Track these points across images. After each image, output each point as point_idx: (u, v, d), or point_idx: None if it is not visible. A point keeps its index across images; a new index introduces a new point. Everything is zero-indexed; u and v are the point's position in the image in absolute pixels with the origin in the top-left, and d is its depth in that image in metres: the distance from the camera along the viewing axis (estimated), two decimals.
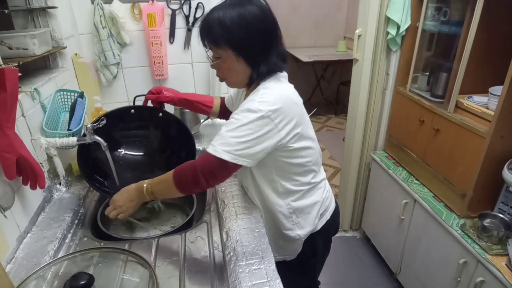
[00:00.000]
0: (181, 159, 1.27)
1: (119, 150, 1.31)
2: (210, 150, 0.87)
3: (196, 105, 1.28)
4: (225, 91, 1.86)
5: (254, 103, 0.87)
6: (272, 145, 0.90)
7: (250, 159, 0.88)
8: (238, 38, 0.86)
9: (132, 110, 1.26)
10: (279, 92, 0.91)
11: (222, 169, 0.88)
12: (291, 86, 0.98)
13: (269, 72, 0.93)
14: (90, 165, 1.20)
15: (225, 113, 1.31)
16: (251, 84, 0.96)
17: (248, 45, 0.88)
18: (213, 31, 0.88)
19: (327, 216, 1.15)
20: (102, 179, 1.22)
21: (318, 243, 1.15)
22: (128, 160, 1.31)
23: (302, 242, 1.12)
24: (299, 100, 0.96)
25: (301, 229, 1.09)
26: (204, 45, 0.93)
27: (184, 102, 1.27)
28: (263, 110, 0.85)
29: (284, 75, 0.99)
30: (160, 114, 1.28)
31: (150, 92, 1.27)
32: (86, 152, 1.18)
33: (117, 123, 1.25)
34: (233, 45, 0.88)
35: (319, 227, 1.12)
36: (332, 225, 1.18)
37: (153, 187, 0.96)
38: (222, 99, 1.32)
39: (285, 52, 0.97)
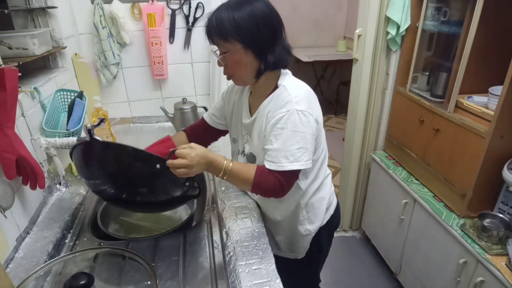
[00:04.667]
0: None
1: None
2: (278, 167, 0.90)
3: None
4: (224, 90, 1.86)
5: (291, 105, 0.90)
6: (315, 139, 0.95)
7: (308, 160, 0.92)
8: (248, 31, 0.89)
9: None
10: (304, 88, 0.97)
11: (294, 177, 0.95)
12: None
13: (276, 63, 0.95)
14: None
15: (203, 135, 1.22)
16: (259, 76, 0.97)
17: (256, 38, 0.90)
18: (222, 26, 0.89)
19: (331, 211, 1.18)
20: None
21: (323, 238, 1.17)
22: None
23: (311, 238, 1.14)
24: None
25: (311, 224, 1.12)
26: (211, 41, 0.94)
27: None
28: (302, 109, 0.90)
29: (289, 72, 1.02)
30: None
31: None
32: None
33: None
34: (242, 38, 0.89)
35: (325, 221, 1.15)
36: (335, 220, 1.21)
37: (232, 172, 0.92)
38: (188, 129, 1.23)
39: (289, 46, 0.98)
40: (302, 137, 0.90)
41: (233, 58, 0.93)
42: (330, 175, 1.18)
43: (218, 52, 0.96)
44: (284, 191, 0.95)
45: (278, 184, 0.91)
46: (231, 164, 0.92)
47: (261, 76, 0.96)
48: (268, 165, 0.92)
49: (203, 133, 1.22)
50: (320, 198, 1.11)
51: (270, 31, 0.92)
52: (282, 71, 1.00)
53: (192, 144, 0.90)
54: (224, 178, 0.94)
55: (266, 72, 0.96)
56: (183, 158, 0.86)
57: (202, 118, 1.23)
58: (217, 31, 0.91)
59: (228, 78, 1.00)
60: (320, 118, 0.97)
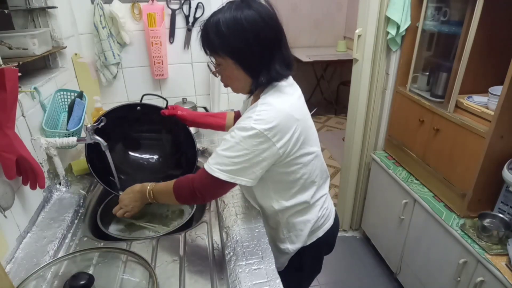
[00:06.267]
0: (188, 160, 1.31)
1: (131, 152, 1.37)
2: (207, 168, 0.88)
3: (209, 124, 1.31)
4: (224, 90, 1.86)
5: (250, 121, 0.83)
6: (270, 163, 0.88)
7: (248, 178, 0.87)
8: (235, 46, 0.83)
9: (138, 107, 1.30)
10: (278, 108, 0.85)
11: (218, 187, 0.90)
12: (295, 96, 0.93)
13: (270, 82, 0.89)
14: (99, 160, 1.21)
15: None
16: (253, 92, 0.93)
17: (245, 54, 0.84)
18: (211, 39, 0.85)
19: (319, 234, 1.10)
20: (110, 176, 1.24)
21: (306, 257, 1.12)
22: (140, 162, 1.37)
23: (290, 257, 1.10)
24: (300, 115, 0.90)
25: (292, 244, 1.08)
26: (206, 52, 0.91)
27: (197, 122, 1.30)
28: (257, 129, 0.82)
29: (287, 83, 0.94)
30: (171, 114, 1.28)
31: (169, 107, 1.31)
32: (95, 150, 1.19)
33: (126, 122, 1.30)
34: (230, 53, 0.85)
35: (308, 243, 1.09)
36: (324, 243, 1.14)
37: (155, 192, 1.00)
38: (237, 112, 1.30)
39: (290, 58, 0.92)
40: (245, 154, 0.84)
41: (226, 72, 0.90)
42: (325, 198, 1.10)
43: (214, 60, 0.93)
44: (204, 197, 0.93)
45: (197, 188, 0.89)
46: (153, 185, 1.01)
47: (254, 92, 0.93)
48: (205, 164, 0.90)
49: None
50: (304, 221, 1.05)
51: (262, 45, 0.84)
52: (273, 83, 0.92)
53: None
54: (155, 200, 1.01)
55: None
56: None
57: None
58: (207, 45, 0.88)
59: (225, 86, 0.98)
60: (293, 143, 0.88)
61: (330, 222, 1.13)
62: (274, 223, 1.08)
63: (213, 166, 0.87)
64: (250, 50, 0.84)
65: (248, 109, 0.91)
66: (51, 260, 0.90)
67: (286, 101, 0.89)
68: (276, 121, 0.83)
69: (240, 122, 0.86)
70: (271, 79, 0.89)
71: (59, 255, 0.96)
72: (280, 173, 0.95)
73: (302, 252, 1.09)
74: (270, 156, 0.86)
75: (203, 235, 1.05)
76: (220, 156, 0.86)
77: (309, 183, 1.01)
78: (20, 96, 1.03)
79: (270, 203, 1.03)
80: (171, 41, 1.74)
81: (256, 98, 0.95)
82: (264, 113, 0.84)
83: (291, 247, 1.08)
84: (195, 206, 1.19)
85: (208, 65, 0.97)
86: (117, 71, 1.73)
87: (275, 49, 0.87)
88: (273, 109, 0.85)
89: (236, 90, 0.97)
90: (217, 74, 0.95)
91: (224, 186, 0.90)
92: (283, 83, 0.92)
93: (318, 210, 1.07)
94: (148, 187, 1.01)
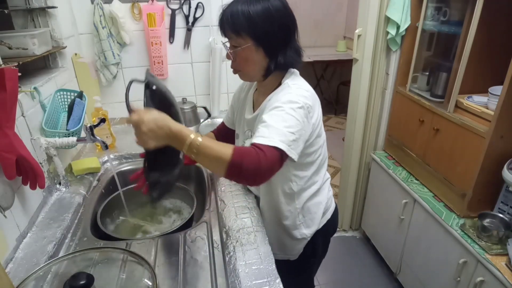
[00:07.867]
0: None
1: None
2: (268, 142, 0.79)
3: None
4: (224, 90, 1.86)
5: (293, 95, 0.89)
6: (306, 138, 0.92)
7: (296, 151, 0.85)
8: (261, 29, 0.89)
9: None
10: (307, 88, 0.95)
11: (279, 162, 0.81)
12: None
13: (286, 64, 0.95)
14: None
15: (226, 137, 1.24)
16: (267, 75, 0.96)
17: (269, 37, 0.90)
18: (237, 21, 0.88)
19: (328, 215, 1.17)
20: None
21: (319, 242, 1.16)
22: None
23: (306, 242, 1.13)
24: (318, 97, 0.99)
25: (307, 228, 1.11)
26: (223, 33, 0.94)
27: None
28: (303, 102, 0.88)
29: (297, 71, 1.01)
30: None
31: None
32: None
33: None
34: (255, 35, 0.89)
35: (321, 225, 1.14)
36: (331, 224, 1.19)
37: (202, 148, 0.77)
38: (215, 130, 1.29)
39: (300, 47, 0.98)
40: (296, 124, 0.84)
41: (243, 54, 0.93)
42: (329, 180, 1.17)
43: (228, 45, 0.96)
44: (266, 174, 0.80)
45: (263, 161, 0.77)
46: (199, 138, 0.78)
47: (269, 75, 0.96)
48: (256, 140, 0.80)
49: (226, 133, 1.26)
50: (317, 203, 1.10)
51: (284, 31, 0.92)
52: (290, 69, 0.99)
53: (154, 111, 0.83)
54: (193, 156, 0.79)
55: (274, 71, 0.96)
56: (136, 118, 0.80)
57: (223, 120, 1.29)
58: (231, 24, 0.90)
59: (235, 73, 1.00)
60: (318, 122, 0.95)
61: (333, 204, 1.21)
62: (289, 211, 1.09)
63: (275, 138, 0.80)
64: (274, 34, 0.90)
65: (273, 94, 0.95)
66: (51, 260, 0.90)
67: (308, 85, 0.98)
68: (310, 99, 0.91)
69: (282, 98, 0.89)
70: (287, 62, 0.95)
71: (59, 255, 0.96)
72: (302, 155, 0.96)
73: (315, 237, 1.14)
74: (307, 130, 0.90)
75: (203, 235, 1.05)
76: (276, 128, 0.82)
77: (321, 164, 1.07)
78: (20, 96, 1.03)
79: (290, 187, 1.04)
80: (171, 41, 1.74)
81: (267, 88, 1.00)
82: (300, 91, 0.91)
83: (307, 231, 1.12)
84: (195, 206, 1.19)
85: (223, 44, 0.98)
86: (117, 71, 1.73)
87: (292, 35, 0.95)
88: (304, 88, 0.94)
89: (246, 75, 0.99)
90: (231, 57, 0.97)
91: (282, 161, 0.82)
92: (296, 71, 1.00)
93: (327, 192, 1.14)
94: (192, 136, 0.77)
